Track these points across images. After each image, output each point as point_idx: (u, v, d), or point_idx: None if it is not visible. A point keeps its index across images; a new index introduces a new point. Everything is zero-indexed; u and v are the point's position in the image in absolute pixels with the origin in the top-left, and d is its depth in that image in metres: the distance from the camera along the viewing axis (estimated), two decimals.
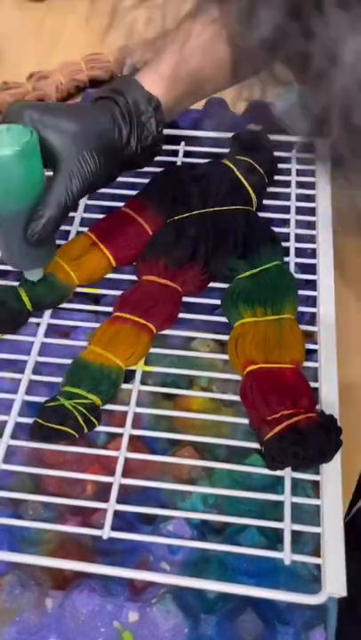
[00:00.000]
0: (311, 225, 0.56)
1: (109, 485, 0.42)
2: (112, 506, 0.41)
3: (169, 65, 0.50)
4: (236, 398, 0.47)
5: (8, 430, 0.44)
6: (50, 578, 0.42)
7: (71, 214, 0.51)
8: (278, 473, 0.42)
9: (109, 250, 0.52)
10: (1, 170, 0.41)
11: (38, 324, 0.50)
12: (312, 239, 0.55)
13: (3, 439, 0.44)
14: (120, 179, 0.51)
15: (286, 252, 0.54)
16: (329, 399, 0.45)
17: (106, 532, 0.40)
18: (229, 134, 0.62)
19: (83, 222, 0.56)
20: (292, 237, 0.55)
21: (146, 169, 0.55)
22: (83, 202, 0.57)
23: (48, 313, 0.51)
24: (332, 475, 0.42)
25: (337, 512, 0.40)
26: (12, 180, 0.42)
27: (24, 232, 0.44)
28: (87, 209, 0.58)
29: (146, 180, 0.59)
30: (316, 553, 0.40)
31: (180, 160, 0.62)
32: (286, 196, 0.59)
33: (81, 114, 0.45)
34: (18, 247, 0.45)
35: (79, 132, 0.44)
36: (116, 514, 0.41)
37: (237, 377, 0.47)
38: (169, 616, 0.39)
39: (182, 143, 0.63)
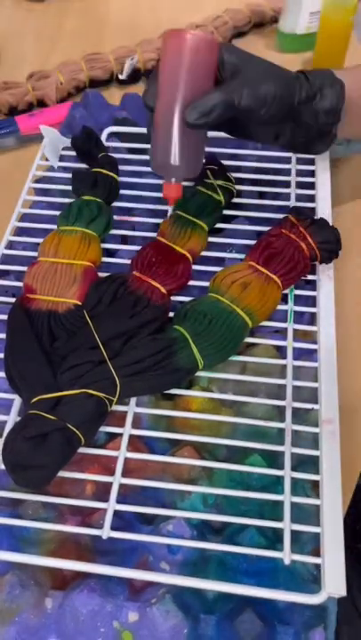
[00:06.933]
0: None
1: (109, 485, 0.42)
2: (112, 506, 0.41)
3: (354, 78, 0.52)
4: (236, 398, 0.47)
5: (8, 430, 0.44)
6: (49, 578, 0.42)
7: None
8: (278, 473, 0.42)
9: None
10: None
11: None
12: None
13: (3, 439, 0.43)
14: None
15: None
16: (329, 399, 0.45)
17: (105, 532, 0.40)
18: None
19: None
20: None
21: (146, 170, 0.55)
22: None
23: None
24: (332, 475, 0.42)
25: (337, 512, 0.40)
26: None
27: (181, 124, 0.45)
28: None
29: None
30: (316, 553, 0.40)
31: None
32: (286, 196, 0.59)
33: (268, 61, 0.48)
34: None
35: (262, 64, 0.47)
36: (116, 514, 0.41)
37: (237, 377, 0.47)
38: (168, 616, 0.39)
39: None
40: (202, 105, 0.44)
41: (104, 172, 0.58)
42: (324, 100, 0.49)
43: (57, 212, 0.57)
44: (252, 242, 0.54)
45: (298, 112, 0.49)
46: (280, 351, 0.50)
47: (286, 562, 0.39)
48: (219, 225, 0.57)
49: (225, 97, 0.45)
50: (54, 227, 0.56)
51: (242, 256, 0.53)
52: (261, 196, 0.61)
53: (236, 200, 0.59)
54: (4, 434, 0.42)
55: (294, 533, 0.40)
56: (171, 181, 0.48)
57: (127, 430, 0.45)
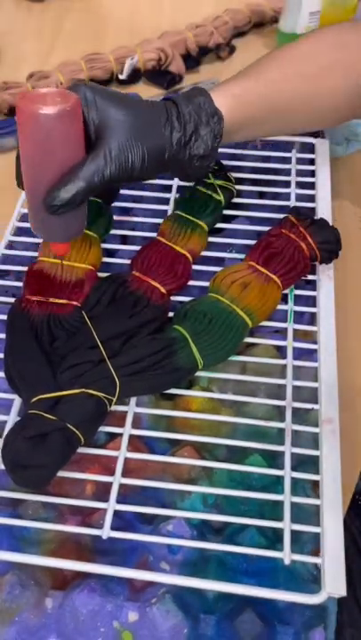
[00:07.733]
0: None
1: (109, 485, 0.42)
2: (112, 506, 0.41)
3: (243, 85, 0.48)
4: (236, 398, 0.47)
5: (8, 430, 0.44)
6: (50, 578, 0.42)
7: None
8: (278, 473, 0.42)
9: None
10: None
11: None
12: None
13: (2, 439, 0.43)
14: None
15: None
16: (329, 399, 0.45)
17: (106, 532, 0.40)
18: None
19: None
20: None
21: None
22: None
23: None
24: (331, 475, 0.42)
25: (337, 512, 0.40)
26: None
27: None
28: None
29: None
30: (316, 553, 0.40)
31: None
32: (286, 196, 0.59)
33: (134, 105, 0.44)
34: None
35: (126, 120, 0.42)
36: (116, 514, 0.41)
37: (237, 377, 0.47)
38: (168, 616, 0.39)
39: None
40: (62, 193, 0.41)
41: None
42: (198, 144, 0.45)
43: None
44: (253, 242, 0.54)
45: (168, 164, 0.45)
46: (280, 351, 0.50)
47: (286, 562, 0.39)
48: (219, 225, 0.57)
49: (84, 184, 0.41)
50: None
51: (242, 256, 0.53)
52: (261, 195, 0.61)
53: (236, 200, 0.59)
54: (4, 434, 0.42)
55: (294, 533, 0.40)
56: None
57: (127, 430, 0.44)
